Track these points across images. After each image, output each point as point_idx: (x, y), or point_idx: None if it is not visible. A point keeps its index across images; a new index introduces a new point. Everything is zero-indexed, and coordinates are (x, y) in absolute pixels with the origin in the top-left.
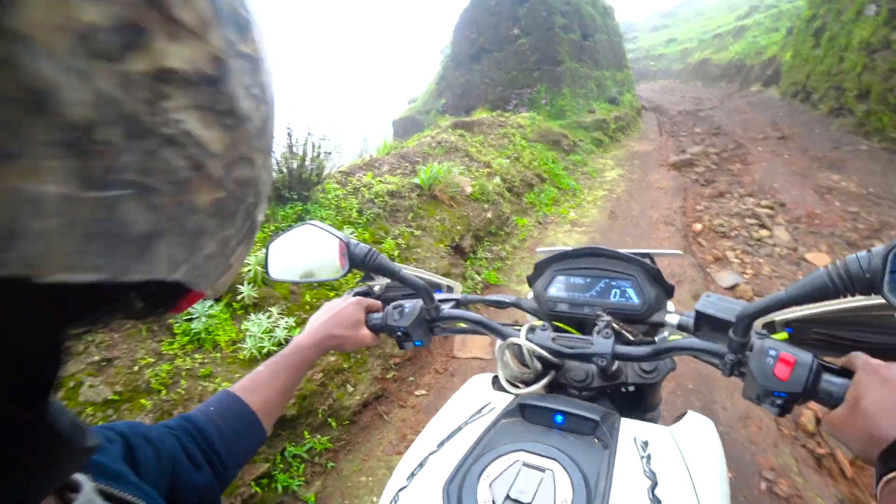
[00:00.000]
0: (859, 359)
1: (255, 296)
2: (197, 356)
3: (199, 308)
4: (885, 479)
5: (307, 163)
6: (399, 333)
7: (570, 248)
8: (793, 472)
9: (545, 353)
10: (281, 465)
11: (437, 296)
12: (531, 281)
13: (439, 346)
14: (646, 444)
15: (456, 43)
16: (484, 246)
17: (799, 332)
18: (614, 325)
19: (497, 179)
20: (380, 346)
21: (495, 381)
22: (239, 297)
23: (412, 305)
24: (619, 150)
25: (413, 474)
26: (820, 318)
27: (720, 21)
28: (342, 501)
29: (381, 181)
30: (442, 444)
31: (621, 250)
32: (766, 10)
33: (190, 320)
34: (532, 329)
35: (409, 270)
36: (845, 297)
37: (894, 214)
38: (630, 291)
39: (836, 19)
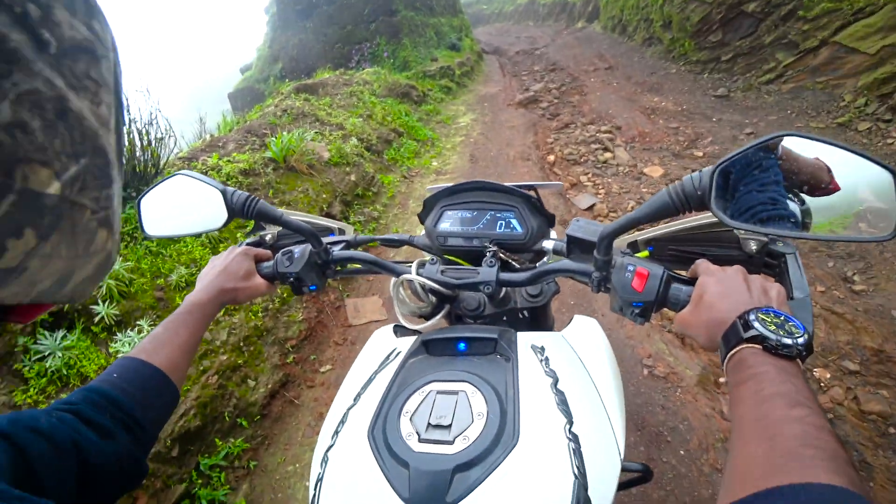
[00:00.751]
0: (700, 265)
1: (116, 313)
2: (64, 395)
3: (48, 343)
4: (728, 355)
5: (138, 153)
6: (291, 279)
7: (456, 185)
8: (665, 354)
9: (436, 286)
10: (199, 481)
11: (329, 238)
12: (422, 218)
13: (333, 319)
14: (542, 349)
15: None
16: (354, 210)
17: (658, 250)
18: (501, 254)
19: (353, 140)
20: (271, 331)
21: (397, 329)
22: (97, 319)
23: (301, 250)
24: (467, 94)
25: (336, 432)
26: (673, 235)
27: None
28: (275, 496)
29: (229, 161)
30: (358, 396)
31: (505, 183)
32: None
33: (42, 359)
34: (422, 264)
35: (296, 216)
36: (685, 213)
37: (704, 125)
38: (514, 222)
39: None
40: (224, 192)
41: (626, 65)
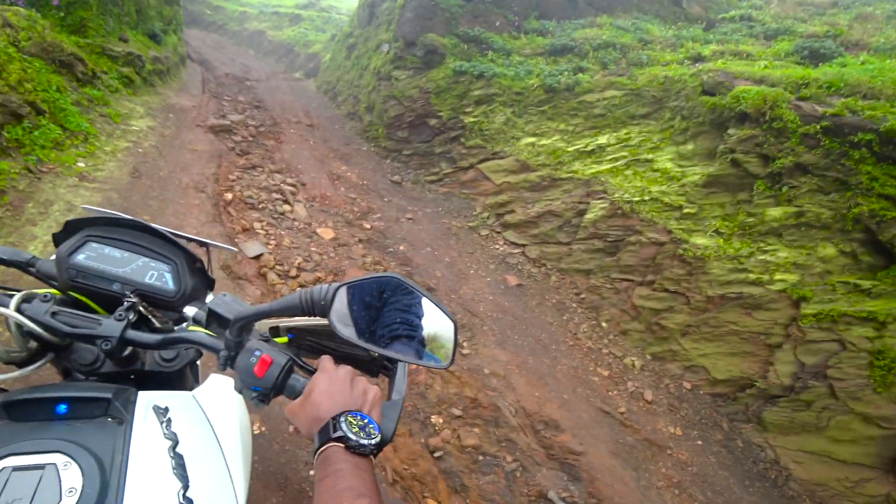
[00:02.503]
0: (322, 361)
1: None
2: None
3: None
4: (319, 450)
5: None
6: None
7: (116, 215)
8: None
9: (38, 329)
10: None
11: None
12: (57, 241)
13: None
14: (165, 409)
15: None
16: None
17: (297, 338)
18: (141, 307)
19: None
20: None
21: None
22: None
23: None
24: (153, 96)
25: None
26: (312, 328)
27: (284, 2)
28: None
29: None
30: None
31: (174, 231)
32: (321, 10)
33: None
34: (29, 298)
35: None
36: (312, 316)
37: (377, 203)
38: (168, 276)
39: (364, 44)
40: None
41: (326, 128)
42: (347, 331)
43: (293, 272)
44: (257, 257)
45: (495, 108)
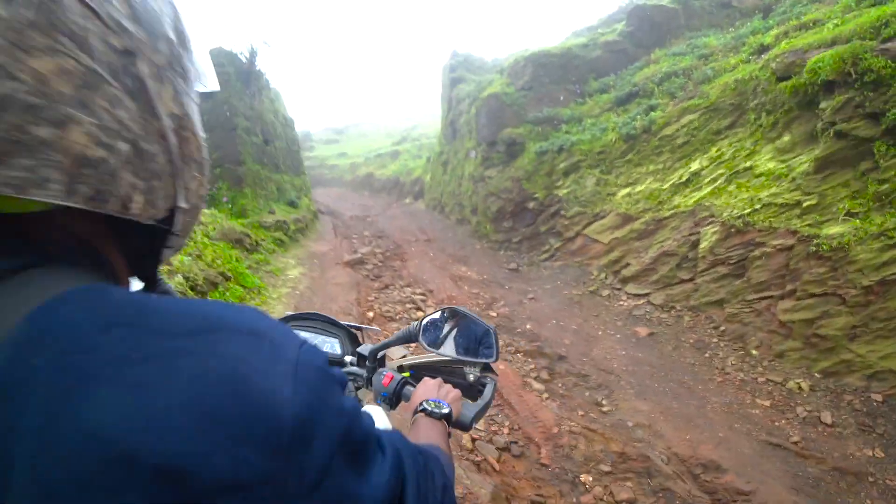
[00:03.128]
0: (424, 379)
1: None
2: None
3: None
4: (413, 418)
5: None
6: None
7: (305, 312)
8: (462, 478)
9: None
10: None
11: None
12: None
13: None
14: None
15: None
16: None
17: (417, 374)
18: None
19: (179, 277)
20: None
21: None
22: None
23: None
24: (299, 249)
25: None
26: (426, 365)
27: (380, 144)
28: None
29: None
30: None
31: (339, 321)
32: (413, 140)
33: None
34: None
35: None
36: (411, 342)
37: (499, 292)
38: (336, 344)
39: (454, 157)
40: None
41: (441, 238)
42: (431, 347)
43: None
44: (402, 358)
45: (583, 173)
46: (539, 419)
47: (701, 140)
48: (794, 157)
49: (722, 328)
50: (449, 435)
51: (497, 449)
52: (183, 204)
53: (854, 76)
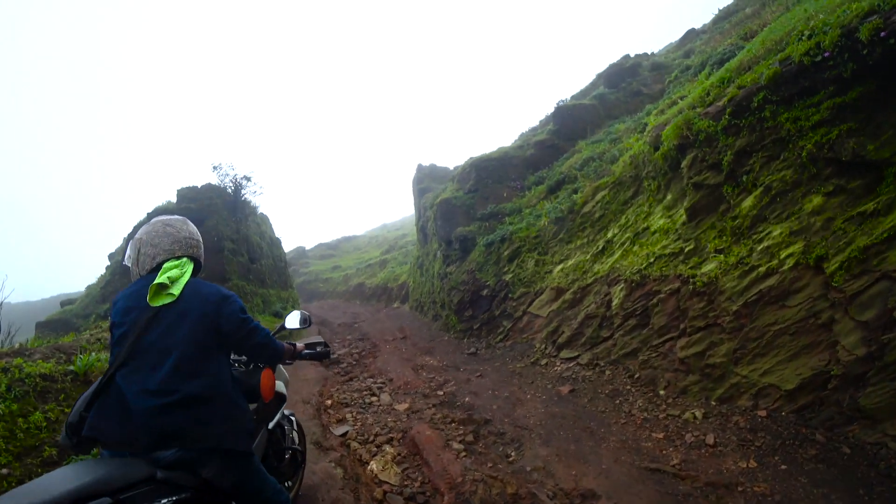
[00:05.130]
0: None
1: None
2: None
3: None
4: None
5: None
6: None
7: None
8: None
9: None
10: None
11: None
12: None
13: None
14: None
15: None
16: None
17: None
18: None
19: None
20: None
21: None
22: None
23: None
24: None
25: None
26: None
27: (371, 254)
28: None
29: (31, 364)
30: None
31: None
32: (400, 248)
33: None
34: None
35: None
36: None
37: (452, 374)
38: None
39: (426, 258)
40: None
41: (416, 335)
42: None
43: (371, 438)
44: (343, 434)
45: (524, 257)
46: (448, 472)
47: (613, 211)
48: (676, 212)
49: (637, 375)
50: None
51: (404, 499)
52: None
53: (691, 137)
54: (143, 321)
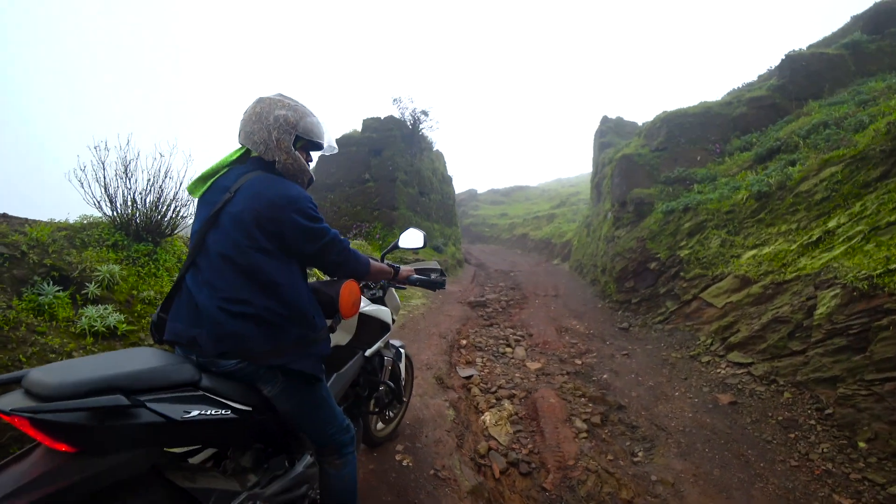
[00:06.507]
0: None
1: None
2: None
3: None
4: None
5: (165, 217)
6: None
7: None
8: (455, 468)
9: None
10: None
11: None
12: None
13: None
14: None
15: (315, 172)
16: None
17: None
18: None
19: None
20: None
21: None
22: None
23: None
24: None
25: None
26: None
27: (540, 207)
28: None
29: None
30: None
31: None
32: (571, 205)
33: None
34: None
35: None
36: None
37: (596, 345)
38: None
39: (596, 219)
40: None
41: (569, 296)
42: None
43: (493, 389)
44: (468, 377)
45: (707, 233)
46: (562, 450)
47: (844, 194)
48: None
49: (829, 411)
50: (394, 276)
51: (507, 462)
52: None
53: None
54: (207, 218)
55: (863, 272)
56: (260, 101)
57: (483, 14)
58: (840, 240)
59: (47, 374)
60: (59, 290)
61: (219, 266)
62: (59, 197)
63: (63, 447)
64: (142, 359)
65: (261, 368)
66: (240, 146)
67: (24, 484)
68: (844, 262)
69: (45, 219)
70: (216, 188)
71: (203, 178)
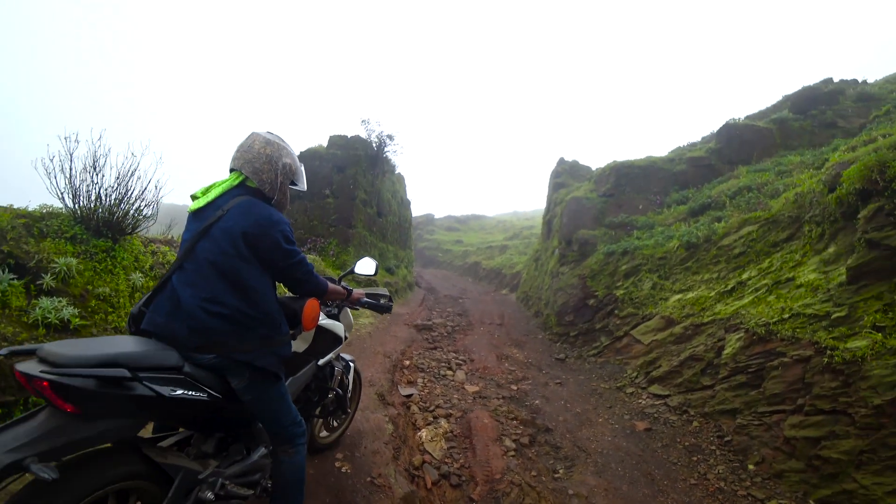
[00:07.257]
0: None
1: (53, 286)
2: None
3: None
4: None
5: (128, 215)
6: None
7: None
8: (391, 477)
9: None
10: None
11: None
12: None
13: None
14: None
15: None
16: None
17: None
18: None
19: None
20: None
21: None
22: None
23: None
24: None
25: None
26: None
27: (495, 237)
28: None
29: (174, 254)
30: None
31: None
32: (523, 238)
33: None
34: None
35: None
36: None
37: (532, 373)
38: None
39: (544, 254)
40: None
41: (513, 325)
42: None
43: (431, 408)
44: (409, 396)
45: (642, 276)
46: (490, 465)
47: (757, 251)
48: (835, 269)
49: (727, 438)
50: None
51: (439, 474)
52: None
53: (880, 183)
54: (199, 230)
55: (763, 319)
56: (268, 143)
57: (456, 46)
58: (749, 290)
59: (62, 348)
60: (13, 279)
61: (205, 270)
62: (24, 183)
63: (69, 408)
64: (136, 344)
65: (231, 363)
66: (236, 172)
67: (37, 437)
68: (751, 309)
69: (4, 204)
70: (211, 206)
71: (202, 197)
